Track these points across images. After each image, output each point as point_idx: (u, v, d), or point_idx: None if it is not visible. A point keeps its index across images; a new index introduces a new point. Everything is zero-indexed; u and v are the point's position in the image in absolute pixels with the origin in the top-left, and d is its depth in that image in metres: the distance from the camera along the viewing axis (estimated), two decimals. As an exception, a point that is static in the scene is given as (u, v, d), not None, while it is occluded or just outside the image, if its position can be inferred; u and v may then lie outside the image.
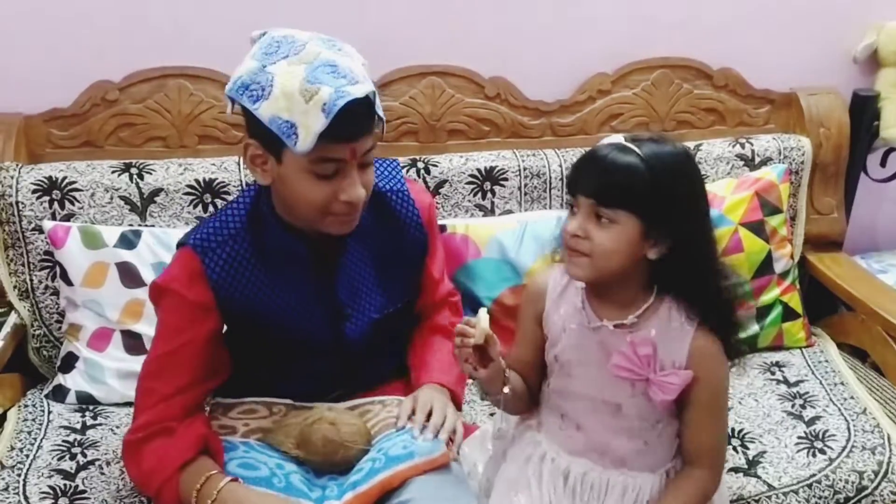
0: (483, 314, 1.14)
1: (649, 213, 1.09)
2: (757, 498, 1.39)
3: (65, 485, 1.36)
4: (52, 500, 1.32)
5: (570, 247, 1.14)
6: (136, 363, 1.55)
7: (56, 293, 1.64)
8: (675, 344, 1.18)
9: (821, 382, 1.67)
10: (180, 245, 1.27)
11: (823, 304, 1.94)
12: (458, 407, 1.37)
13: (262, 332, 1.29)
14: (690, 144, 1.85)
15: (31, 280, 1.63)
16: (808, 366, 1.74)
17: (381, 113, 1.17)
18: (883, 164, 2.00)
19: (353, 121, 1.11)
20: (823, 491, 1.41)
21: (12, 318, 1.62)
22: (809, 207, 1.92)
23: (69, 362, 1.59)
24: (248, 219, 1.26)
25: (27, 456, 1.41)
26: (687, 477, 1.22)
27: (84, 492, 1.35)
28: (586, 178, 1.13)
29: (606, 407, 1.21)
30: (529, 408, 1.31)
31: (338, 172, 1.15)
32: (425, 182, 1.74)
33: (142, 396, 1.24)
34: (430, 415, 1.28)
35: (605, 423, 1.22)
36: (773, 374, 1.71)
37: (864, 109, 1.92)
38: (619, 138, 1.13)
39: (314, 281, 1.29)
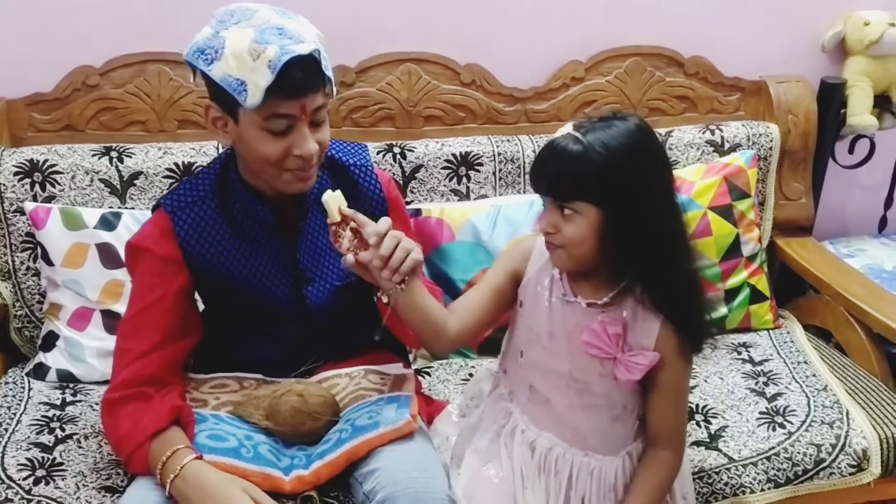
0: (328, 193, 1.19)
1: (604, 199, 1.12)
2: (717, 470, 1.42)
3: (42, 457, 1.39)
4: (30, 472, 1.35)
5: (546, 241, 1.19)
6: (116, 342, 1.59)
7: (37, 274, 1.66)
8: (645, 328, 1.20)
9: (785, 361, 1.71)
10: (155, 208, 1.33)
11: (793, 288, 1.98)
12: None
13: (228, 294, 1.34)
14: (662, 131, 1.89)
15: (13, 261, 1.66)
16: (774, 346, 1.78)
17: (328, 73, 1.21)
18: (851, 150, 2.05)
19: (298, 77, 1.16)
20: (782, 463, 1.44)
21: (-6, 298, 1.65)
22: (778, 193, 1.96)
23: (50, 341, 1.62)
24: (216, 182, 1.31)
25: (6, 430, 1.44)
26: (653, 460, 1.25)
27: (62, 464, 1.38)
28: (542, 177, 1.17)
29: (575, 384, 1.24)
30: (427, 338, 1.27)
31: (290, 128, 1.20)
32: (401, 167, 1.78)
33: (119, 357, 1.29)
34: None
35: (572, 400, 1.25)
36: (739, 353, 1.75)
37: (831, 97, 1.96)
38: (568, 128, 1.15)
39: (277, 245, 1.33)
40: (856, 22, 1.96)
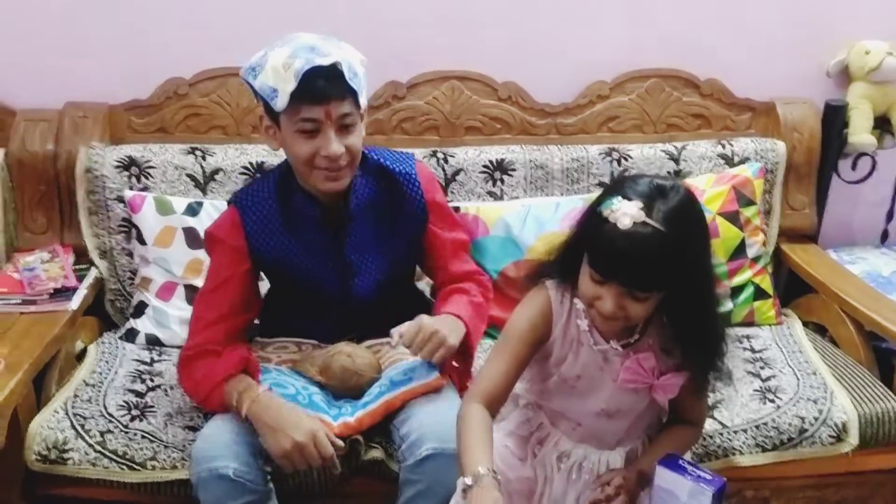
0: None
1: (675, 285, 1.16)
2: (711, 434, 1.62)
3: (136, 401, 1.65)
4: (127, 411, 1.62)
5: (605, 318, 1.19)
6: (196, 312, 1.85)
7: (130, 254, 1.93)
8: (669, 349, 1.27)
9: (782, 350, 1.90)
10: (230, 202, 1.57)
11: (799, 291, 2.15)
12: (471, 342, 1.52)
13: (284, 280, 1.57)
14: (678, 145, 2.11)
15: (110, 242, 1.93)
16: (774, 338, 1.96)
17: (353, 85, 1.40)
18: (854, 167, 2.22)
19: (320, 84, 1.38)
20: (770, 431, 1.63)
21: (93, 272, 1.92)
22: (784, 203, 2.14)
23: (140, 309, 1.89)
24: (278, 186, 1.55)
25: (105, 378, 1.71)
26: (676, 428, 1.36)
27: (152, 406, 1.64)
28: (620, 269, 1.14)
29: (607, 412, 1.32)
30: None
31: (317, 132, 1.42)
32: (443, 170, 2.01)
33: (193, 322, 1.55)
34: (427, 341, 1.45)
35: (603, 422, 1.33)
36: (741, 343, 1.93)
37: (834, 118, 2.14)
38: (634, 211, 1.11)
39: (327, 242, 1.55)
40: (858, 51, 2.14)
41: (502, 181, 2.04)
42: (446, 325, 1.49)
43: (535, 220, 1.97)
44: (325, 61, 1.38)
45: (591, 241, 1.17)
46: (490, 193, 2.04)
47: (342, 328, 1.62)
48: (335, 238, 1.56)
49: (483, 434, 1.20)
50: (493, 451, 1.23)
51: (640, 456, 1.36)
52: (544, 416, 1.39)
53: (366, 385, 1.56)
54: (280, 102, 1.39)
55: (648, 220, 1.11)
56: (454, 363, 1.57)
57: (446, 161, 2.02)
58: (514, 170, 2.04)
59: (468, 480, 1.13)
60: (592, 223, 1.17)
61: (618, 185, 1.18)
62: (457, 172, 2.02)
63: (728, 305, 2.00)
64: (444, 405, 1.47)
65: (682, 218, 1.13)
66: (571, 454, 1.36)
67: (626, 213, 1.12)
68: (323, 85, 1.39)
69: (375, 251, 1.57)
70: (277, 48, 1.41)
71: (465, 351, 1.55)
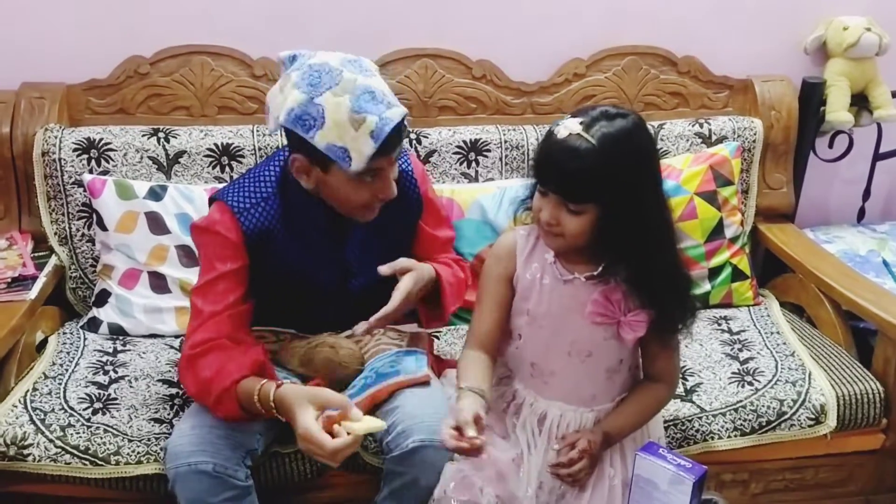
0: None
1: (608, 201, 1.22)
2: (690, 418, 1.60)
3: (99, 393, 1.59)
4: (88, 404, 1.56)
5: (545, 229, 1.28)
6: (161, 300, 1.81)
7: (91, 240, 1.87)
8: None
9: (759, 332, 1.88)
10: (216, 200, 1.46)
11: (776, 271, 2.14)
12: (445, 299, 1.53)
13: (280, 280, 1.48)
14: (655, 124, 2.07)
15: (70, 228, 1.86)
16: (752, 319, 1.95)
17: (407, 125, 1.39)
18: (831, 145, 2.20)
19: (394, 140, 1.34)
20: (748, 415, 1.62)
21: (53, 260, 1.85)
22: (761, 182, 2.12)
23: (103, 298, 1.82)
24: (279, 185, 1.46)
25: (66, 370, 1.65)
26: (647, 387, 1.39)
27: (115, 399, 1.58)
28: (551, 175, 1.24)
29: (578, 353, 1.34)
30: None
31: (376, 176, 1.38)
32: (417, 151, 1.96)
33: (194, 316, 1.43)
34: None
35: (576, 368, 1.35)
36: (719, 325, 1.92)
37: (812, 95, 2.12)
38: (574, 126, 1.21)
39: (328, 245, 1.49)
40: (836, 27, 2.11)
41: (477, 162, 2.00)
42: (424, 270, 1.50)
43: (511, 203, 1.91)
44: (397, 116, 1.34)
45: (536, 152, 1.28)
46: (464, 175, 2.00)
47: (326, 321, 1.57)
48: (337, 239, 1.50)
49: (475, 364, 1.34)
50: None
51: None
52: (517, 383, 1.41)
53: (350, 377, 1.52)
54: (356, 164, 1.32)
55: (583, 134, 1.19)
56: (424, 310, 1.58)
57: (419, 142, 1.97)
58: (488, 150, 2.00)
59: (454, 392, 1.33)
60: (543, 138, 1.27)
61: (579, 109, 1.27)
62: (430, 154, 1.97)
63: (705, 287, 1.98)
64: (432, 397, 1.45)
65: (620, 141, 1.20)
66: (548, 413, 1.37)
67: (566, 126, 1.21)
68: (396, 139, 1.36)
69: (374, 249, 1.52)
70: (327, 93, 1.30)
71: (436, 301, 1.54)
